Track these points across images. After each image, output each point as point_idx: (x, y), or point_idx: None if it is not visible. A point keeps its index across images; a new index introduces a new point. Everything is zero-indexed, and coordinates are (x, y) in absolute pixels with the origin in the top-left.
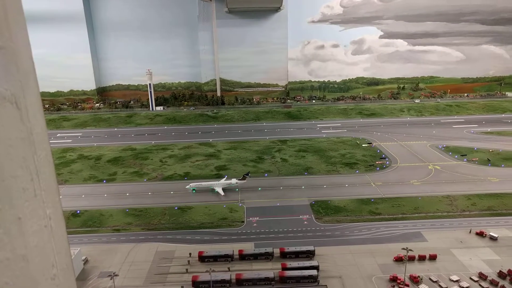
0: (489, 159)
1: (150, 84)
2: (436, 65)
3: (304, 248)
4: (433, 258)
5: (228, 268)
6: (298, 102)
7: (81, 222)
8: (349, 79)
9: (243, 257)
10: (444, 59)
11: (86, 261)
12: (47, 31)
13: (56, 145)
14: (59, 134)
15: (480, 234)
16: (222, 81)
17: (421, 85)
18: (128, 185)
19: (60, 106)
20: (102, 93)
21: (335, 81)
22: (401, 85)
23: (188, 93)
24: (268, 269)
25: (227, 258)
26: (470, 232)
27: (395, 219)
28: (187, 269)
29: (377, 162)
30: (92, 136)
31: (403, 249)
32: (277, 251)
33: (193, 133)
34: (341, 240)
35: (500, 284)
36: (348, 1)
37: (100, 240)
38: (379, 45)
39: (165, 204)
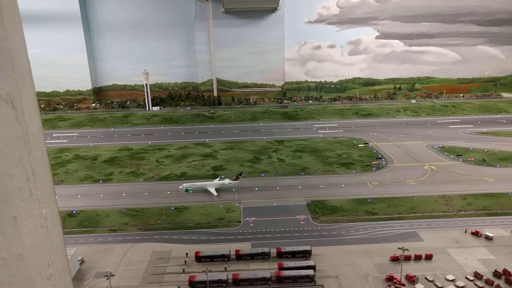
0: (484, 159)
1: (146, 84)
2: (432, 66)
3: (300, 248)
4: (429, 257)
5: (225, 268)
6: (295, 102)
7: (77, 222)
8: (345, 79)
9: (240, 257)
10: (440, 60)
11: (82, 262)
12: (43, 31)
13: (52, 145)
14: (55, 134)
15: (476, 234)
16: (219, 81)
17: (417, 86)
18: (124, 185)
19: (56, 106)
20: (98, 93)
21: (332, 81)
22: (397, 86)
23: (184, 93)
24: (264, 269)
25: (223, 258)
26: (465, 231)
27: (391, 219)
28: (183, 269)
29: (373, 162)
30: (88, 136)
31: (399, 248)
32: (273, 251)
33: (190, 133)
34: (337, 240)
35: (495, 283)
36: (345, 1)
37: (96, 240)
38: (376, 46)
39: (161, 204)
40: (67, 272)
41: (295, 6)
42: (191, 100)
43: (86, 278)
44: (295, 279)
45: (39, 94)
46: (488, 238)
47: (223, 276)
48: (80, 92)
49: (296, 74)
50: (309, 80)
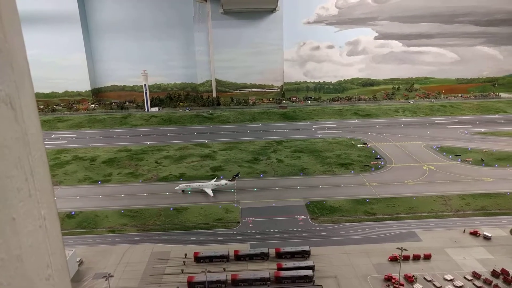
0: (482, 159)
1: (145, 85)
2: (431, 66)
3: (299, 248)
4: (427, 257)
5: (224, 268)
6: (294, 103)
7: (76, 223)
8: (344, 80)
9: (239, 257)
10: (438, 60)
11: (81, 263)
12: (42, 32)
13: (51, 146)
14: (53, 135)
15: (474, 234)
16: (218, 82)
17: (415, 86)
18: (123, 186)
19: (54, 107)
20: (97, 94)
21: (331, 82)
22: (396, 86)
23: (183, 94)
24: (263, 270)
25: (222, 258)
26: (464, 231)
27: (390, 219)
28: (182, 270)
29: (372, 163)
30: (87, 137)
31: (398, 248)
32: (272, 252)
33: (189, 134)
34: (336, 240)
35: (493, 283)
36: (343, 2)
37: (95, 241)
38: (374, 46)
39: (160, 205)
40: (66, 273)
41: (294, 7)
42: (190, 101)
43: (84, 279)
44: (294, 279)
45: (37, 95)
46: (487, 238)
47: (222, 276)
48: (78, 93)
49: (295, 74)
50: (308, 81)
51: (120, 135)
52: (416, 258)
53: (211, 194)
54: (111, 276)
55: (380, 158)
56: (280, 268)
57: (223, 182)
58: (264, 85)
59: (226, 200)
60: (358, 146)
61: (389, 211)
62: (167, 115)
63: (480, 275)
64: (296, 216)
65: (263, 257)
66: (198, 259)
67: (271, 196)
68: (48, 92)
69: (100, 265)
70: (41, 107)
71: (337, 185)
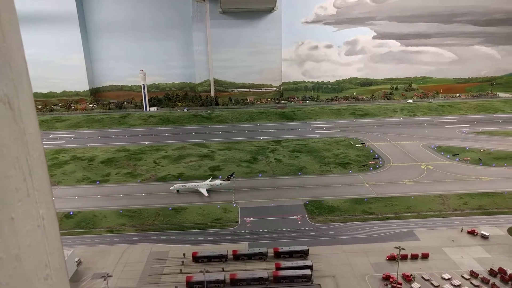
0: (480, 159)
1: (143, 85)
2: (429, 66)
3: (298, 248)
4: (425, 256)
5: (222, 268)
6: (292, 102)
7: (74, 224)
8: (342, 79)
9: (237, 257)
10: (436, 60)
11: (79, 263)
12: (40, 32)
13: (49, 146)
14: (52, 135)
15: (472, 233)
16: (216, 82)
17: (414, 86)
18: (121, 186)
19: (53, 107)
20: (95, 94)
21: (329, 81)
22: (394, 86)
23: (182, 94)
24: (262, 269)
25: (221, 258)
26: (461, 231)
27: (388, 218)
28: (181, 270)
29: (370, 162)
30: (86, 137)
31: (396, 248)
32: (271, 251)
33: (187, 134)
34: (334, 239)
35: (491, 282)
36: (342, 2)
37: (93, 241)
38: (372, 46)
39: (159, 205)
40: (64, 272)
41: (292, 7)
42: (188, 100)
43: (83, 279)
44: (292, 279)
45: (35, 95)
46: (484, 237)
47: (220, 276)
48: (77, 93)
49: (293, 74)
50: (306, 80)
51: (118, 135)
52: (414, 257)
53: (206, 194)
54: (110, 276)
55: (378, 158)
56: (278, 268)
57: (218, 182)
58: (263, 84)
59: (224, 200)
60: (357, 145)
61: (387, 210)
62: (165, 115)
63: (478, 274)
64: (294, 216)
65: (262, 256)
66: (196, 259)
67: (270, 195)
68: (46, 92)
69: (98, 265)
70: (39, 107)
71: (336, 185)
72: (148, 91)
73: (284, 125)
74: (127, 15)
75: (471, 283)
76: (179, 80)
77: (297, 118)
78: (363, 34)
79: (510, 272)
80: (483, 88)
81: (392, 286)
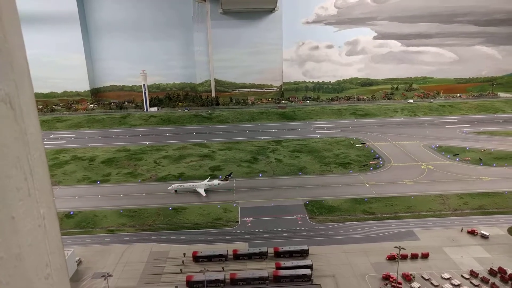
0: (481, 159)
1: (144, 85)
2: (430, 66)
3: (298, 248)
4: (425, 256)
5: (223, 268)
6: (293, 102)
7: (75, 223)
8: (343, 79)
9: (237, 257)
10: (437, 60)
11: (79, 262)
12: (41, 32)
13: (50, 146)
14: (52, 135)
15: (472, 233)
16: (217, 82)
17: (414, 86)
18: (122, 186)
19: (53, 107)
20: (96, 94)
21: (330, 81)
22: (395, 86)
23: (182, 94)
24: (262, 269)
25: (221, 258)
26: (461, 230)
27: (388, 218)
28: (181, 269)
29: (370, 162)
30: (86, 137)
31: (396, 247)
32: (271, 251)
33: (188, 134)
34: (334, 239)
35: (490, 281)
36: (342, 2)
37: (93, 241)
38: (373, 46)
39: (159, 205)
40: (65, 272)
41: (293, 7)
42: (189, 101)
43: (83, 278)
44: (292, 278)
45: (36, 95)
46: (484, 237)
47: (220, 276)
48: (77, 93)
49: (294, 74)
50: (307, 81)
51: (119, 135)
52: (414, 257)
53: (204, 194)
54: (110, 276)
55: (378, 158)
56: (278, 267)
57: (216, 182)
58: (263, 85)
59: (224, 200)
60: (357, 145)
61: (388, 210)
62: (166, 115)
63: (478, 274)
64: (294, 216)
65: (262, 256)
66: (196, 258)
67: (270, 195)
68: (47, 92)
69: (99, 265)
70: (40, 107)
71: (336, 185)
72: (148, 91)
73: (284, 125)
74: (128, 15)
75: (471, 282)
76: (179, 80)
77: (298, 118)
78: (364, 35)
79: (510, 272)
80: (483, 88)
81: (392, 286)
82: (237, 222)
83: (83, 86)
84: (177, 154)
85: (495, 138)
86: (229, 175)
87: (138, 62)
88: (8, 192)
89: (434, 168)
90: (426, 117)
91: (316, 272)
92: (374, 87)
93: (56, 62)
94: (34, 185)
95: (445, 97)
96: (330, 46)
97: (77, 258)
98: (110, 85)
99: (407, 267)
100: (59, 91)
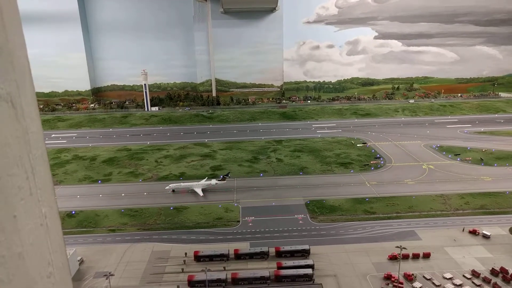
0: (482, 159)
1: (145, 84)
2: (431, 66)
3: (299, 247)
4: (426, 256)
5: (224, 267)
6: (293, 102)
7: (76, 223)
8: (344, 79)
9: (239, 256)
10: (438, 60)
11: (81, 262)
12: (42, 31)
13: (51, 145)
14: (54, 135)
15: (473, 233)
16: (218, 82)
17: (415, 86)
18: (123, 186)
19: (54, 107)
20: (97, 93)
21: (330, 81)
22: (396, 86)
23: (183, 93)
24: (263, 268)
25: (222, 257)
26: (463, 230)
27: (389, 218)
28: (182, 269)
29: (371, 162)
30: (87, 136)
31: (397, 247)
32: (272, 251)
33: (189, 134)
34: (336, 239)
35: (492, 281)
36: (343, 2)
37: (95, 240)
38: (374, 46)
39: (160, 204)
40: (67, 270)
41: (294, 6)
42: (190, 100)
43: (85, 278)
44: (293, 278)
45: (37, 95)
46: (486, 237)
47: (222, 275)
48: (78, 93)
49: (294, 74)
50: (307, 80)
51: (120, 135)
52: (416, 256)
53: (201, 194)
54: (112, 275)
55: (379, 158)
56: (280, 267)
57: (213, 181)
58: (264, 84)
59: (226, 199)
60: (358, 145)
61: (389, 210)
62: (167, 115)
63: (479, 274)
64: (296, 215)
65: (263, 256)
66: (198, 258)
67: (271, 195)
68: (48, 92)
69: (100, 264)
70: (41, 106)
71: (337, 184)
72: (149, 91)
73: (285, 125)
74: (128, 15)
75: (472, 282)
76: (180, 80)
77: (299, 118)
78: (365, 34)
79: (511, 272)
80: (485, 88)
81: (394, 286)
82: (238, 221)
83: (84, 85)
84: (178, 153)
85: (496, 138)
86: (227, 174)
87: (139, 61)
88: (10, 191)
89: (435, 168)
90: (427, 117)
91: (318, 271)
92: (375, 87)
93: (57, 61)
94: (35, 184)
95: (446, 97)
96: (331, 46)
97: (79, 258)
98: (111, 85)
99: (408, 267)
100: (60, 90)
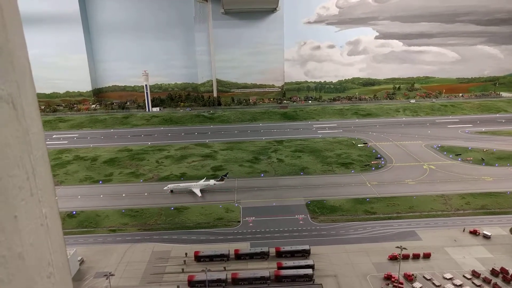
0: (483, 159)
1: (146, 85)
2: (432, 66)
3: (299, 248)
4: (427, 256)
5: (224, 267)
6: (294, 102)
7: (77, 223)
8: (345, 79)
9: (239, 256)
10: (439, 60)
11: (82, 262)
12: (43, 32)
13: (52, 146)
14: (55, 135)
15: (474, 233)
16: (219, 82)
17: (416, 86)
18: (124, 186)
19: (56, 108)
20: (98, 94)
21: (331, 81)
22: (397, 86)
23: (184, 94)
24: (264, 268)
25: (223, 257)
26: (463, 230)
27: (390, 218)
28: (183, 269)
29: (372, 162)
30: (88, 137)
31: (398, 247)
32: (272, 251)
33: (190, 134)
34: (336, 239)
35: (492, 281)
36: (344, 2)
37: (96, 240)
38: (375, 46)
39: (161, 205)
40: (67, 271)
41: (294, 7)
42: (190, 101)
43: (85, 278)
44: (294, 278)
45: (39, 96)
46: (486, 237)
47: (222, 275)
48: (80, 93)
49: (295, 74)
50: (308, 81)
51: (121, 135)
52: (416, 257)
53: (199, 194)
54: (112, 275)
55: (380, 158)
56: (280, 267)
57: (212, 182)
58: (265, 85)
59: (226, 200)
60: (359, 145)
61: (389, 210)
62: (168, 115)
63: (480, 274)
64: (296, 216)
65: (263, 256)
66: (198, 258)
67: (272, 195)
68: (49, 92)
69: (101, 264)
70: (42, 107)
71: (338, 185)
72: (150, 92)
73: (286, 125)
74: (129, 16)
75: (473, 283)
76: (181, 81)
77: (299, 118)
78: (366, 34)
79: None
80: (486, 88)
81: (394, 286)
82: (239, 222)
83: (85, 86)
84: (179, 154)
85: (498, 138)
86: (225, 175)
87: (140, 62)
88: (11, 192)
89: (436, 168)
90: (428, 117)
91: (318, 272)
92: (376, 87)
93: (58, 62)
94: (36, 184)
95: (447, 96)
96: (331, 46)
97: (79, 258)
98: (112, 86)
99: (408, 267)
100: (61, 91)
